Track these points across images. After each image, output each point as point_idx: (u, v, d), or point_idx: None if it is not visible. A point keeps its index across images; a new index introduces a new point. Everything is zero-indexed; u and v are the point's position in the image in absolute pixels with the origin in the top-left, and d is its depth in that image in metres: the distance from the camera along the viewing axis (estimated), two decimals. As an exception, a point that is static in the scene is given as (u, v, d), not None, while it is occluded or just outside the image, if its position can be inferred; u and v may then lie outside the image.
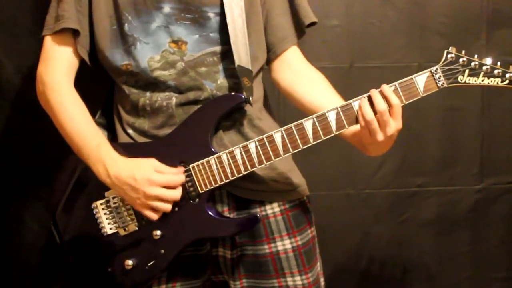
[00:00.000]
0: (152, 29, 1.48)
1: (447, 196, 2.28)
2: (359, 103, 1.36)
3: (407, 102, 1.35)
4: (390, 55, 2.18)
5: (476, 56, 1.32)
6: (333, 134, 1.39)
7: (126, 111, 1.57)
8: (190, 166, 1.46)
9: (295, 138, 1.40)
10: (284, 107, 1.96)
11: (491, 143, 2.26)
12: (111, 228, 1.52)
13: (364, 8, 2.17)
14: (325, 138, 1.39)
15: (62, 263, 1.62)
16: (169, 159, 1.46)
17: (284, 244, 1.56)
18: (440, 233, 2.30)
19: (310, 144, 1.40)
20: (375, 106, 1.34)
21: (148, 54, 1.48)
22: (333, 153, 2.18)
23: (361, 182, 2.26)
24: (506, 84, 1.31)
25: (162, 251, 1.49)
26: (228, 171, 1.44)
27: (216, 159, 1.44)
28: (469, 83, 1.32)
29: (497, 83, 1.31)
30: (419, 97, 1.35)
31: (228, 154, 1.43)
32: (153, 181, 1.40)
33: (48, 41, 1.54)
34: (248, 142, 1.42)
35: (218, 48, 1.50)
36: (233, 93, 1.50)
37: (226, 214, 1.54)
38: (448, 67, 1.33)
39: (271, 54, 1.61)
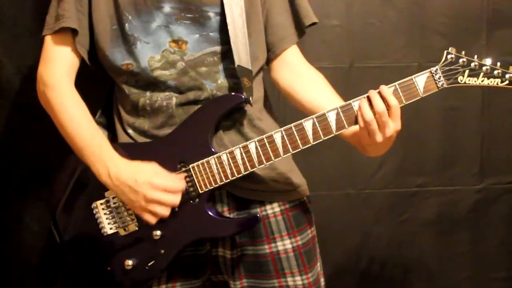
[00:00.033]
0: (152, 29, 1.48)
1: (447, 196, 2.29)
2: (359, 103, 1.36)
3: (407, 103, 1.35)
4: (390, 55, 2.18)
5: (476, 56, 1.32)
6: (333, 135, 1.39)
7: (126, 111, 1.57)
8: (190, 166, 1.46)
9: (295, 139, 1.40)
10: (284, 107, 1.96)
11: (491, 143, 2.26)
12: (111, 228, 1.52)
13: (364, 8, 2.17)
14: (325, 139, 1.39)
15: (62, 263, 1.62)
16: (169, 159, 1.46)
17: (284, 244, 1.56)
18: (440, 233, 2.30)
19: (310, 145, 1.40)
20: (374, 107, 1.34)
21: (149, 54, 1.48)
22: (333, 153, 2.18)
23: (361, 182, 2.26)
24: (506, 85, 1.31)
25: (162, 251, 1.49)
26: (228, 171, 1.44)
27: (216, 159, 1.44)
28: (469, 83, 1.32)
29: (497, 84, 1.31)
30: (419, 97, 1.35)
31: (228, 154, 1.43)
32: (154, 185, 1.40)
33: (49, 41, 1.54)
34: (248, 142, 1.42)
35: (218, 48, 1.50)
36: (233, 93, 1.50)
37: (226, 214, 1.54)
38: (448, 68, 1.33)
39: (271, 54, 1.61)
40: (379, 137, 1.35)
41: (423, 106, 2.12)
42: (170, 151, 1.48)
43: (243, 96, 1.46)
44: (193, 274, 1.56)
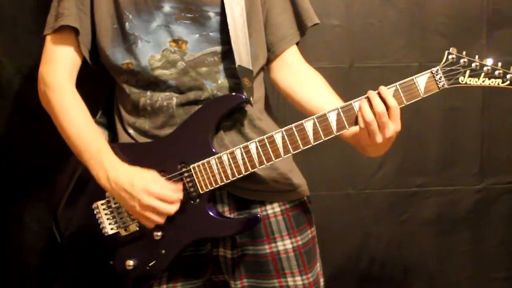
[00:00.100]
0: (152, 28, 1.48)
1: (447, 196, 2.29)
2: (359, 104, 1.36)
3: (407, 103, 1.35)
4: (390, 55, 2.18)
5: (477, 56, 1.32)
6: (333, 135, 1.39)
7: (127, 111, 1.56)
8: (191, 166, 1.46)
9: (295, 139, 1.40)
10: (285, 108, 1.96)
11: (491, 143, 2.26)
12: (112, 228, 1.52)
13: (364, 8, 2.17)
14: (325, 139, 1.39)
15: (63, 263, 1.62)
16: (170, 159, 1.46)
17: (285, 244, 1.56)
18: (440, 233, 2.31)
19: (310, 145, 1.40)
20: (374, 108, 1.34)
21: (149, 53, 1.48)
22: (334, 154, 2.18)
23: (361, 182, 2.26)
24: (507, 85, 1.31)
25: (163, 251, 1.49)
26: (229, 171, 1.44)
27: (216, 159, 1.44)
28: (470, 84, 1.32)
29: (498, 84, 1.31)
30: (420, 98, 1.35)
31: (228, 155, 1.43)
32: (150, 192, 1.40)
33: (49, 41, 1.54)
34: (248, 143, 1.42)
35: (218, 48, 1.49)
36: (233, 93, 1.50)
37: (227, 214, 1.54)
38: (449, 68, 1.33)
39: (271, 54, 1.61)
40: (379, 138, 1.35)
41: (423, 106, 2.12)
42: (171, 151, 1.48)
43: (243, 96, 1.46)
44: (194, 274, 1.56)
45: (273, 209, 1.57)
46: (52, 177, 1.63)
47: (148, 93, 1.51)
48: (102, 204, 1.53)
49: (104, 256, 1.54)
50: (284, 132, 1.40)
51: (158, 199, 1.40)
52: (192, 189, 1.46)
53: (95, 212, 1.53)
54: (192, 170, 1.45)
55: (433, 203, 2.29)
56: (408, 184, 2.28)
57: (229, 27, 1.46)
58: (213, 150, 1.45)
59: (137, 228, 1.51)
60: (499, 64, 1.30)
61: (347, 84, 2.14)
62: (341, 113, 1.37)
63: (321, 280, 1.67)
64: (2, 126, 2.09)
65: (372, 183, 2.26)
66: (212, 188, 1.45)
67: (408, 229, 2.29)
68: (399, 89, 1.34)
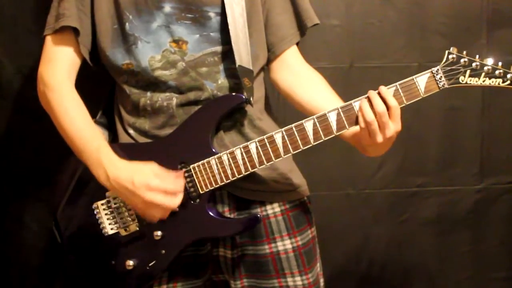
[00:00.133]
0: (153, 29, 1.48)
1: (447, 196, 2.29)
2: (360, 103, 1.36)
3: (408, 103, 1.35)
4: (390, 55, 2.18)
5: (477, 56, 1.32)
6: (333, 135, 1.39)
7: (127, 111, 1.56)
8: (191, 166, 1.46)
9: (295, 139, 1.40)
10: (285, 108, 1.96)
11: (491, 143, 2.26)
12: (112, 229, 1.52)
13: (364, 8, 2.17)
14: (325, 139, 1.39)
15: (63, 264, 1.62)
16: (170, 159, 1.46)
17: (285, 244, 1.56)
18: (440, 233, 2.31)
19: (310, 145, 1.40)
20: (374, 108, 1.33)
21: (149, 54, 1.48)
22: (334, 154, 2.18)
23: (361, 182, 2.26)
24: (507, 85, 1.31)
25: (163, 251, 1.49)
26: (229, 171, 1.44)
27: (216, 159, 1.44)
28: (470, 83, 1.32)
29: (499, 84, 1.31)
30: (420, 97, 1.35)
31: (228, 155, 1.43)
32: (152, 187, 1.39)
33: (49, 41, 1.54)
34: (248, 143, 1.42)
35: (219, 48, 1.49)
36: (233, 93, 1.50)
37: (227, 214, 1.54)
38: (449, 68, 1.33)
39: (271, 54, 1.61)
40: (379, 138, 1.35)
41: (423, 106, 2.11)
42: (171, 151, 1.48)
43: (243, 96, 1.46)
44: (194, 274, 1.56)
45: (273, 209, 1.56)
46: (52, 177, 1.63)
47: (148, 93, 1.51)
48: (102, 204, 1.53)
49: (104, 256, 1.54)
50: (284, 132, 1.40)
51: (161, 193, 1.40)
52: (192, 189, 1.46)
53: (95, 212, 1.53)
54: (192, 170, 1.45)
55: (433, 203, 2.29)
56: (408, 184, 2.28)
57: (230, 27, 1.46)
58: (213, 150, 1.45)
59: (137, 228, 1.51)
60: (500, 63, 1.30)
61: (347, 84, 2.14)
62: (341, 113, 1.37)
63: (321, 281, 1.67)
64: (2, 126, 2.09)
65: (372, 183, 2.26)
66: (212, 188, 1.45)
67: (408, 229, 2.29)
68: (399, 89, 1.34)
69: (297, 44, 1.64)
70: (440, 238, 2.31)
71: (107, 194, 1.52)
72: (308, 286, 1.58)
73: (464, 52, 1.32)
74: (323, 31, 2.12)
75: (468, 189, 2.29)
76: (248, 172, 1.43)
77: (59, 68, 1.52)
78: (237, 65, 1.46)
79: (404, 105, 1.35)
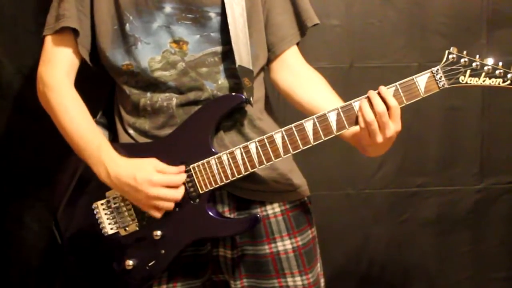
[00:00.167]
0: (153, 29, 1.48)
1: (447, 196, 2.29)
2: (360, 103, 1.36)
3: (408, 103, 1.35)
4: (390, 55, 2.18)
5: (477, 56, 1.32)
6: (333, 135, 1.39)
7: (127, 111, 1.56)
8: (191, 166, 1.45)
9: (295, 139, 1.39)
10: (285, 108, 1.96)
11: (491, 143, 2.26)
12: (111, 228, 1.52)
13: (364, 8, 2.17)
14: (325, 139, 1.39)
15: (63, 264, 1.62)
16: (170, 159, 1.46)
17: (285, 245, 1.56)
18: (440, 233, 2.31)
19: (310, 145, 1.40)
20: (374, 108, 1.33)
21: (149, 55, 1.48)
22: (333, 153, 2.18)
23: (361, 182, 2.26)
24: (508, 85, 1.30)
25: (163, 251, 1.49)
26: (229, 171, 1.44)
27: (216, 159, 1.44)
28: (470, 83, 1.32)
29: (499, 84, 1.31)
30: (420, 97, 1.35)
31: (228, 155, 1.43)
32: (154, 182, 1.40)
33: (49, 41, 1.54)
34: (248, 143, 1.42)
35: (219, 48, 1.49)
36: (233, 94, 1.49)
37: (227, 214, 1.53)
38: (449, 68, 1.32)
39: (271, 54, 1.61)
40: (379, 138, 1.35)
41: (423, 106, 2.11)
42: (171, 151, 1.48)
43: (243, 96, 1.46)
44: (193, 274, 1.56)
45: (273, 209, 1.56)
46: (52, 177, 1.63)
47: (148, 94, 1.51)
48: (102, 204, 1.53)
49: (104, 256, 1.54)
50: (284, 132, 1.40)
51: (163, 187, 1.41)
52: (192, 189, 1.46)
53: (95, 212, 1.53)
54: (191, 170, 1.45)
55: (433, 203, 2.29)
56: (408, 184, 2.28)
57: (230, 27, 1.46)
58: (213, 150, 1.45)
59: (137, 228, 1.51)
60: (500, 63, 1.30)
61: (347, 84, 2.14)
62: (341, 113, 1.37)
63: (322, 281, 1.67)
64: (2, 126, 2.09)
65: (372, 183, 2.26)
66: (212, 188, 1.45)
67: (408, 229, 2.29)
68: (399, 89, 1.34)
69: (297, 44, 1.64)
70: (440, 238, 2.31)
71: (107, 194, 1.52)
72: (308, 286, 1.58)
73: (465, 52, 1.32)
74: (323, 31, 2.12)
75: (468, 189, 2.29)
76: (248, 172, 1.43)
77: (58, 68, 1.52)
78: (237, 65, 1.46)
79: (404, 105, 1.35)
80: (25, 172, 2.10)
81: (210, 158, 1.44)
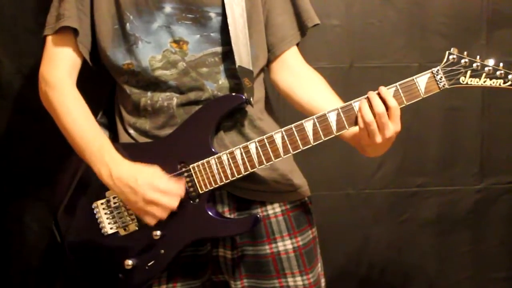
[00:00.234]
0: (153, 29, 1.48)
1: (447, 196, 2.29)
2: (359, 104, 1.36)
3: (408, 103, 1.35)
4: (390, 55, 2.18)
5: (478, 57, 1.32)
6: (333, 135, 1.39)
7: (128, 111, 1.56)
8: (191, 166, 1.45)
9: (295, 139, 1.39)
10: (285, 108, 1.96)
11: (491, 143, 2.26)
12: (111, 228, 1.52)
13: (364, 8, 2.17)
14: (325, 139, 1.39)
15: (63, 264, 1.62)
16: (170, 159, 1.46)
17: (285, 245, 1.56)
18: (440, 233, 2.31)
19: (310, 145, 1.40)
20: (374, 108, 1.33)
21: (150, 54, 1.48)
22: (333, 153, 2.18)
23: (361, 182, 2.26)
24: (509, 86, 1.30)
25: (162, 251, 1.49)
26: (228, 171, 1.44)
27: (216, 159, 1.44)
28: (471, 84, 1.32)
29: (499, 84, 1.30)
30: (420, 98, 1.35)
31: (228, 155, 1.43)
32: (154, 186, 1.40)
33: (50, 41, 1.54)
34: (248, 143, 1.42)
35: (219, 49, 1.49)
36: (233, 94, 1.50)
37: (227, 214, 1.53)
38: (449, 68, 1.32)
39: (271, 55, 1.61)
40: (378, 138, 1.35)
41: (423, 106, 2.10)
42: (171, 151, 1.48)
43: (243, 97, 1.46)
44: (193, 274, 1.56)
45: (273, 210, 1.56)
46: (52, 177, 1.63)
47: (149, 93, 1.51)
48: (101, 204, 1.53)
49: (104, 256, 1.54)
50: (283, 132, 1.40)
51: (161, 193, 1.40)
52: (191, 189, 1.46)
53: (94, 212, 1.53)
54: (191, 170, 1.45)
55: (433, 203, 2.29)
56: (408, 184, 2.28)
57: (230, 27, 1.46)
58: (213, 150, 1.45)
59: (137, 228, 1.51)
60: (501, 64, 1.30)
61: (347, 84, 2.14)
62: (341, 113, 1.37)
63: (322, 281, 1.67)
64: (2, 126, 2.09)
65: (372, 183, 2.26)
66: (212, 188, 1.45)
67: (408, 229, 2.29)
68: (399, 89, 1.34)
69: (297, 44, 1.64)
70: (440, 238, 2.31)
71: (107, 193, 1.52)
72: (308, 286, 1.58)
73: (465, 53, 1.32)
74: (323, 31, 2.12)
75: (468, 189, 2.29)
76: (248, 172, 1.43)
77: (60, 68, 1.52)
78: (237, 66, 1.46)
79: (404, 105, 1.35)
80: (25, 172, 2.10)
81: (210, 158, 1.44)
